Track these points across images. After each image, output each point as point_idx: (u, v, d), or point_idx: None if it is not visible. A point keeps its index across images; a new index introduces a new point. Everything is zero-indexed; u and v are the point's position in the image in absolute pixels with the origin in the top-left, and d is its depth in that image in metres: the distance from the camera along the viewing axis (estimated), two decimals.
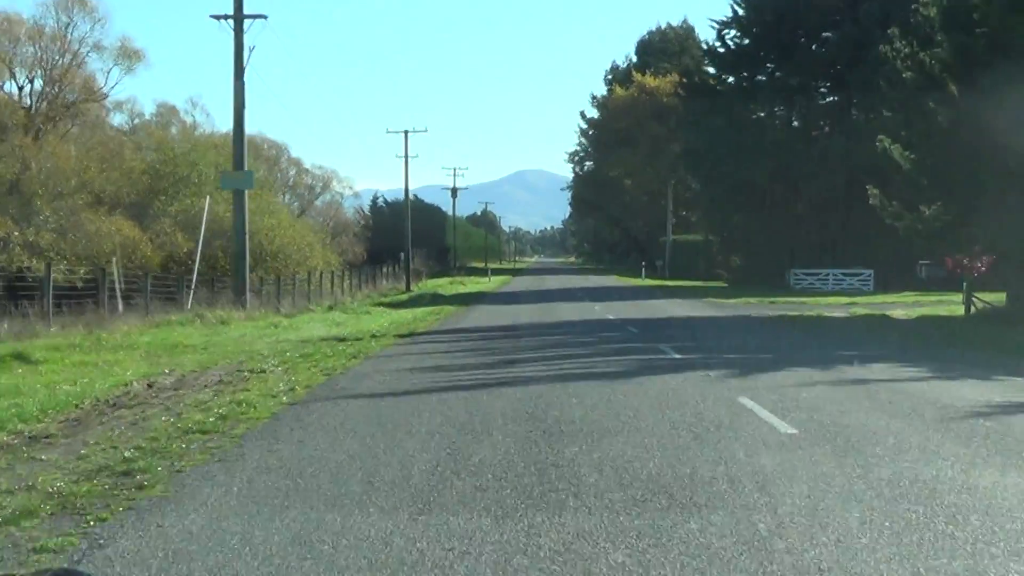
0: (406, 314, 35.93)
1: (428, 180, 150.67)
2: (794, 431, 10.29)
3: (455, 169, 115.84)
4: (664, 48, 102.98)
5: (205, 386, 14.77)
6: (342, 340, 23.43)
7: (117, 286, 32.27)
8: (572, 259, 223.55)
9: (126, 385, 14.41)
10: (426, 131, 77.54)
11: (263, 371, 16.51)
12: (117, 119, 63.49)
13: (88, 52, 54.46)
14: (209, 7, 36.34)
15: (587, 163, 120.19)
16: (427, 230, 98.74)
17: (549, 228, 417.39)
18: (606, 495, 7.51)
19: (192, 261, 38.61)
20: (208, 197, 42.42)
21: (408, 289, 64.45)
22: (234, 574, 5.79)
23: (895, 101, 37.58)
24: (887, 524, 6.65)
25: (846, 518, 6.81)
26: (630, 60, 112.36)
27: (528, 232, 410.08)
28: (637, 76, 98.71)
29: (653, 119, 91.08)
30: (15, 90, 52.83)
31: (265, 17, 36.53)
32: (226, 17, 36.29)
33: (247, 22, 36.26)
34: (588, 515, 6.95)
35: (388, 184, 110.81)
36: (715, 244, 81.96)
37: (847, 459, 8.82)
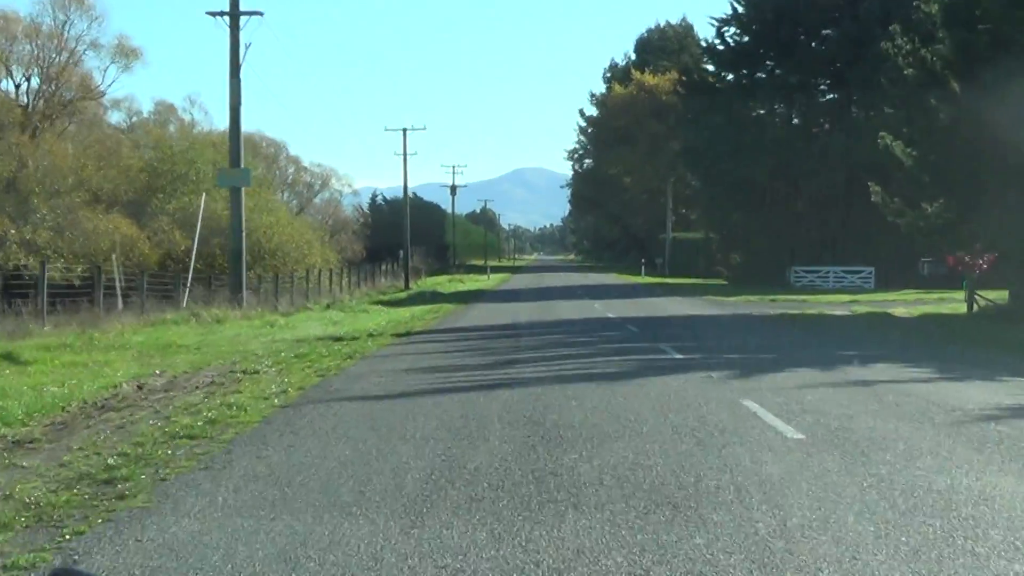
0: (404, 312, 35.61)
1: (427, 178, 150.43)
2: (800, 436, 9.96)
3: (454, 167, 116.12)
4: (663, 46, 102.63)
5: (196, 388, 14.45)
6: (338, 339, 23.11)
7: (117, 284, 32.01)
8: (571, 257, 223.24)
9: (115, 387, 14.09)
10: (425, 129, 77.74)
11: (256, 372, 16.19)
12: (115, 117, 63.28)
13: (85, 50, 54.23)
14: (205, 3, 35.97)
15: (586, 161, 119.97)
16: (426, 228, 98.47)
17: (548, 226, 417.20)
18: (607, 507, 7.19)
19: (190, 259, 38.30)
20: (204, 194, 42.10)
21: (407, 287, 64.10)
22: None
23: (896, 98, 37.36)
24: (903, 539, 6.32)
25: (860, 532, 6.48)
26: (629, 58, 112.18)
27: (527, 230, 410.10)
28: (636, 74, 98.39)
29: (652, 117, 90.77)
30: (12, 88, 52.63)
31: (261, 14, 36.28)
32: (222, 14, 36.02)
33: (243, 19, 36.05)
34: (589, 529, 6.63)
35: (387, 182, 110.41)
36: (715, 242, 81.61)
37: (857, 467, 8.49)
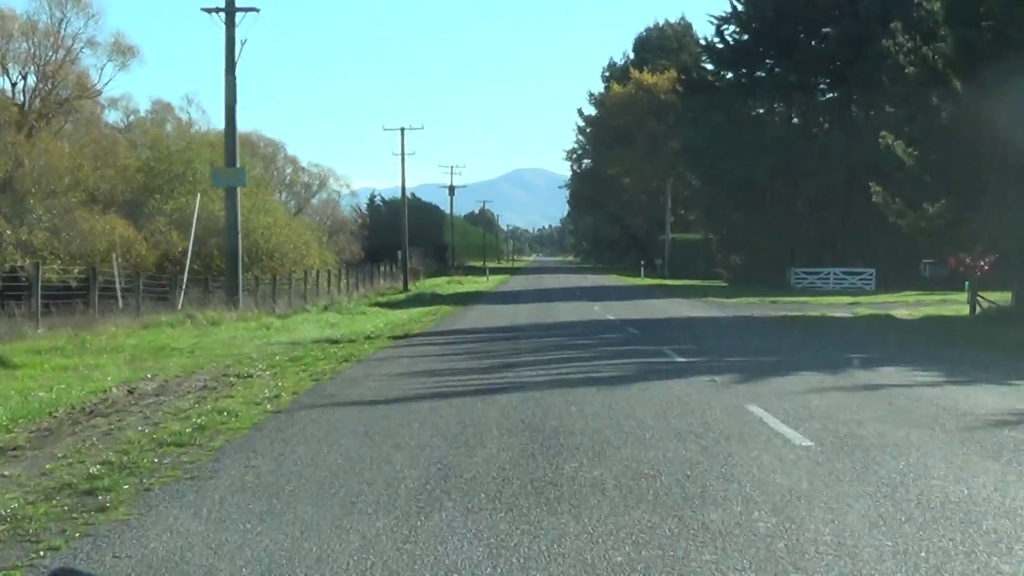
0: (402, 314, 35.29)
1: (426, 179, 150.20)
2: (809, 443, 9.62)
3: (452, 167, 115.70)
4: (662, 45, 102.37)
5: (188, 392, 14.12)
6: (335, 342, 22.77)
7: (117, 284, 31.73)
8: (570, 258, 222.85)
9: (104, 392, 13.76)
10: (423, 129, 78.52)
11: (250, 376, 15.85)
12: (112, 116, 62.96)
13: (82, 48, 53.88)
14: (202, 0, 35.72)
15: (585, 161, 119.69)
16: (425, 228, 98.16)
17: (547, 227, 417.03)
18: (610, 519, 6.85)
19: (187, 260, 37.96)
20: (199, 195, 41.77)
21: (405, 288, 63.79)
22: None
23: (897, 96, 37.08)
24: (923, 555, 5.98)
25: (877, 547, 6.13)
26: (628, 57, 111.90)
27: (526, 231, 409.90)
28: (635, 73, 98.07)
29: (651, 116, 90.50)
30: (8, 86, 52.32)
31: (257, 10, 36.03)
32: (217, 10, 35.77)
33: (239, 15, 35.84)
34: (591, 544, 6.29)
35: (385, 182, 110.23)
36: (714, 242, 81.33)
37: (869, 476, 8.16)
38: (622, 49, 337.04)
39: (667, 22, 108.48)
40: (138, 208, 48.78)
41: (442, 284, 68.36)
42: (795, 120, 70.02)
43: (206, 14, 35.85)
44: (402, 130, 71.70)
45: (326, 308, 38.20)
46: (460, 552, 6.13)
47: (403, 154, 72.05)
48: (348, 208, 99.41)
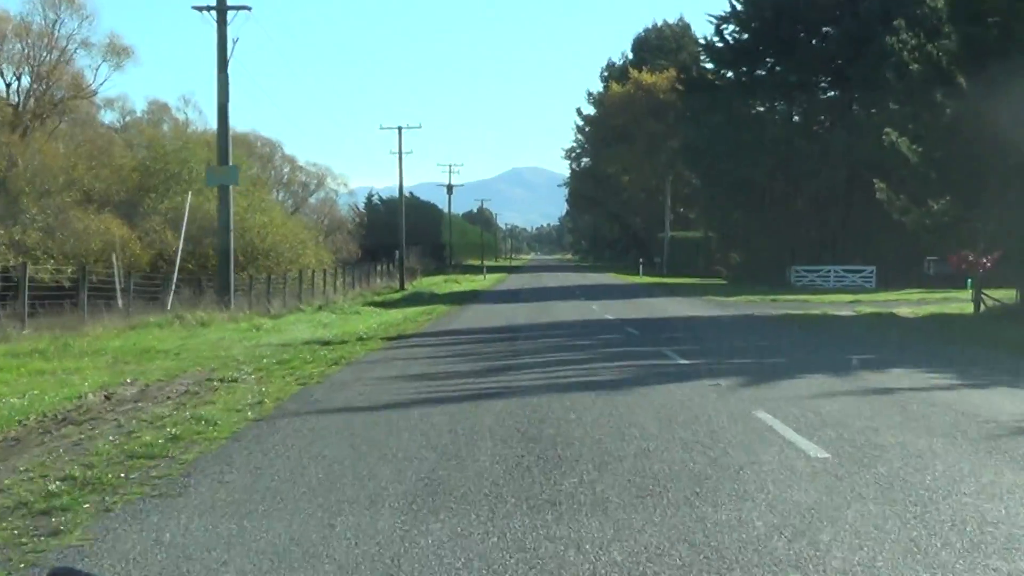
0: (397, 314, 34.64)
1: (423, 177, 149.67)
2: (825, 455, 8.96)
3: (450, 166, 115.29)
4: (661, 45, 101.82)
5: (168, 398, 13.46)
6: (326, 344, 22.11)
7: (117, 284, 31.22)
8: (569, 256, 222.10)
9: (79, 397, 13.09)
10: (420, 127, 77.17)
11: (234, 380, 15.18)
12: (108, 117, 62.71)
13: (76, 49, 53.64)
14: None
15: (584, 160, 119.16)
16: (422, 227, 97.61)
17: (546, 225, 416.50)
18: (614, 545, 6.18)
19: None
20: (189, 193, 41.18)
21: (402, 288, 63.14)
22: None
23: (901, 94, 36.58)
24: None
25: None
26: (627, 57, 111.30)
27: (525, 229, 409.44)
28: (634, 73, 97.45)
29: (650, 116, 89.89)
30: (2, 87, 52.01)
31: (249, 9, 35.46)
32: (209, 9, 35.27)
33: (231, 14, 35.37)
34: (593, 573, 5.64)
35: (383, 181, 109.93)
36: (714, 241, 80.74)
37: (895, 493, 7.51)
38: (621, 49, 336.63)
39: (666, 23, 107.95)
40: (133, 208, 48.30)
41: (439, 283, 67.69)
42: (796, 119, 69.44)
43: (194, 12, 35.41)
44: (400, 129, 71.43)
45: (320, 308, 37.57)
46: None
47: (400, 153, 71.90)
48: (346, 207, 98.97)
